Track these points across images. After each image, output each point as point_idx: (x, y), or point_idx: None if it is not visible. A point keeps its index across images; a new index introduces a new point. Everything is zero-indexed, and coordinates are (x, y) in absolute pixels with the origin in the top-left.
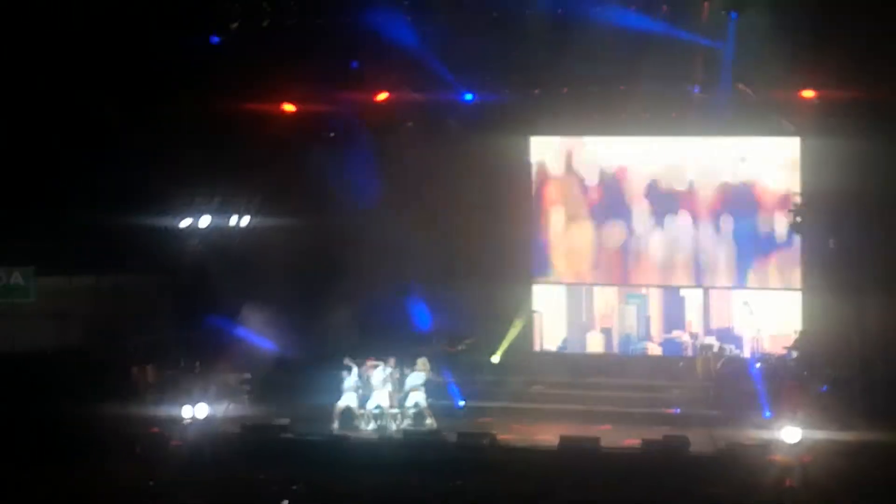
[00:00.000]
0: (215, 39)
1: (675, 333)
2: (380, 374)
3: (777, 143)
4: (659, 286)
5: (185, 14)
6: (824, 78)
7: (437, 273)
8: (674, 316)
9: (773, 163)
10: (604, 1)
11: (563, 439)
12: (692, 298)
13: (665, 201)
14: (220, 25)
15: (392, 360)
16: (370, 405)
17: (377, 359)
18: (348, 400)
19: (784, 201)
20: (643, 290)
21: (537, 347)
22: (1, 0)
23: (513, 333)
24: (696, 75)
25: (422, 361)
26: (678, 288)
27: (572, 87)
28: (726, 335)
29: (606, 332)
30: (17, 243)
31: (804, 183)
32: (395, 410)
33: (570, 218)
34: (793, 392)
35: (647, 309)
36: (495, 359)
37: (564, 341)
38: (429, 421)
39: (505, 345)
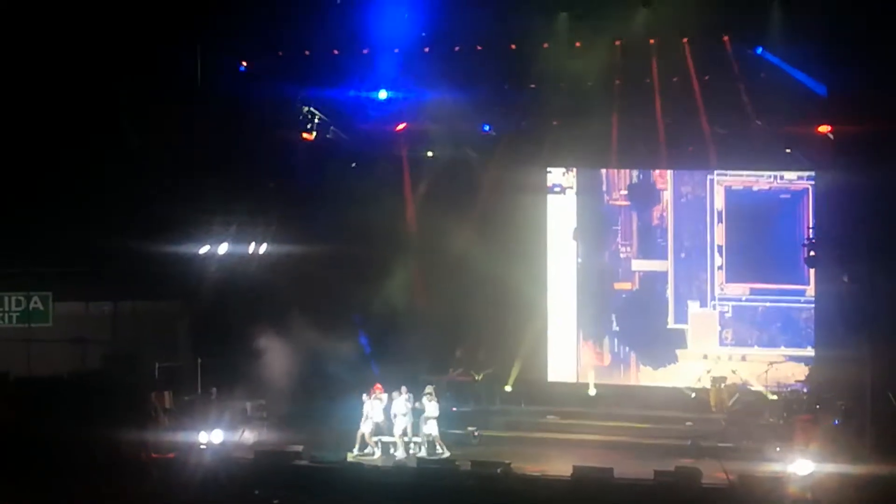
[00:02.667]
0: (241, 68)
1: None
2: (394, 403)
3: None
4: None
5: (211, 44)
6: (839, 113)
7: (452, 303)
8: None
9: (785, 196)
10: (622, 37)
11: (577, 469)
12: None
13: (682, 228)
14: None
15: (404, 389)
16: (385, 433)
17: (386, 387)
18: (363, 428)
19: (798, 234)
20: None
21: (551, 378)
22: (30, 27)
23: (525, 363)
24: (713, 110)
25: (428, 390)
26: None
27: (588, 119)
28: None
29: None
30: (36, 269)
31: (818, 216)
32: (408, 439)
33: (585, 249)
34: (805, 425)
35: None
36: (508, 388)
37: (577, 372)
38: (440, 450)
39: (515, 374)
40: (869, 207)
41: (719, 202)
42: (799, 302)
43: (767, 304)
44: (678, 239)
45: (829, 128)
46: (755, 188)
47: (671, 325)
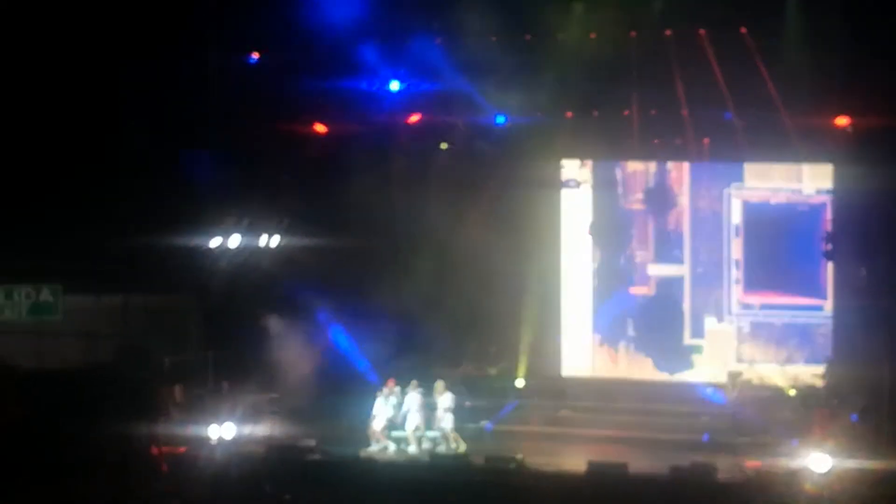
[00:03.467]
0: (253, 60)
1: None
2: (407, 397)
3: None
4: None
5: (216, 37)
6: (858, 105)
7: (467, 296)
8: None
9: (804, 209)
10: (637, 27)
11: (591, 464)
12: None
13: (699, 242)
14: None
15: (414, 383)
16: (398, 428)
17: (399, 382)
18: (376, 422)
19: (817, 226)
20: None
21: (565, 373)
22: (36, 24)
23: (539, 358)
24: (729, 101)
25: (440, 384)
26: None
27: (603, 110)
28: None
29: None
30: (47, 261)
31: (836, 210)
32: (421, 433)
33: (600, 252)
34: (822, 420)
35: None
36: (519, 382)
37: (591, 366)
38: (455, 444)
39: (529, 368)
40: (887, 201)
41: (736, 216)
42: (817, 318)
43: (785, 319)
44: (695, 253)
45: (847, 120)
46: (773, 202)
47: (688, 340)
